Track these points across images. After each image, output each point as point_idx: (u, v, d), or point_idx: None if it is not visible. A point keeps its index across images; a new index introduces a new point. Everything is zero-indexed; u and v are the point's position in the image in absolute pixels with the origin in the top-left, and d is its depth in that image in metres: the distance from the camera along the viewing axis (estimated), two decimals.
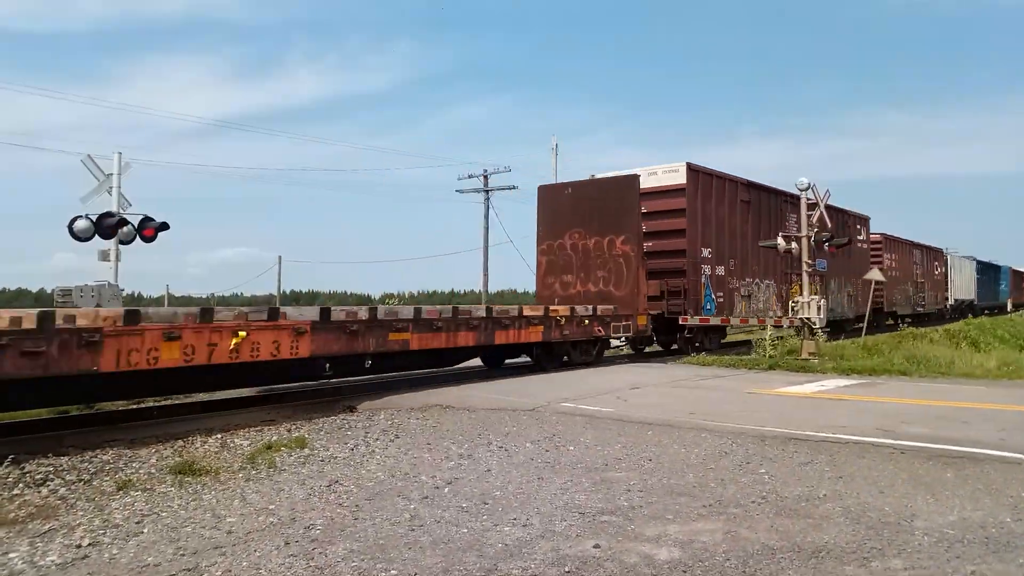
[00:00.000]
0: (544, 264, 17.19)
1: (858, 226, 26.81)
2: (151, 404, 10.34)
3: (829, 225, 18.50)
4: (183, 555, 4.36)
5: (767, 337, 16.62)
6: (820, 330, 16.36)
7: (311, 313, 9.58)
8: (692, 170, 17.35)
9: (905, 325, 29.52)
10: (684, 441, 7.28)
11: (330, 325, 9.61)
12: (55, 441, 7.45)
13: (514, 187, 51.38)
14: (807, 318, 16.06)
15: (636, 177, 16.47)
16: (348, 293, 72.97)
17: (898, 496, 5.34)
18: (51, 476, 6.11)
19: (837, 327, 22.88)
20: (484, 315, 12.16)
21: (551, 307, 13.80)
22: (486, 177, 43.78)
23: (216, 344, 8.25)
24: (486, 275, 42.63)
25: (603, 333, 14.83)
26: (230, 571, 4.10)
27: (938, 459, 6.38)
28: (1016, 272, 55.36)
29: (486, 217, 43.24)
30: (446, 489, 5.72)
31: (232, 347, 8.36)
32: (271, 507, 5.29)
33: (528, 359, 14.32)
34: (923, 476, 5.88)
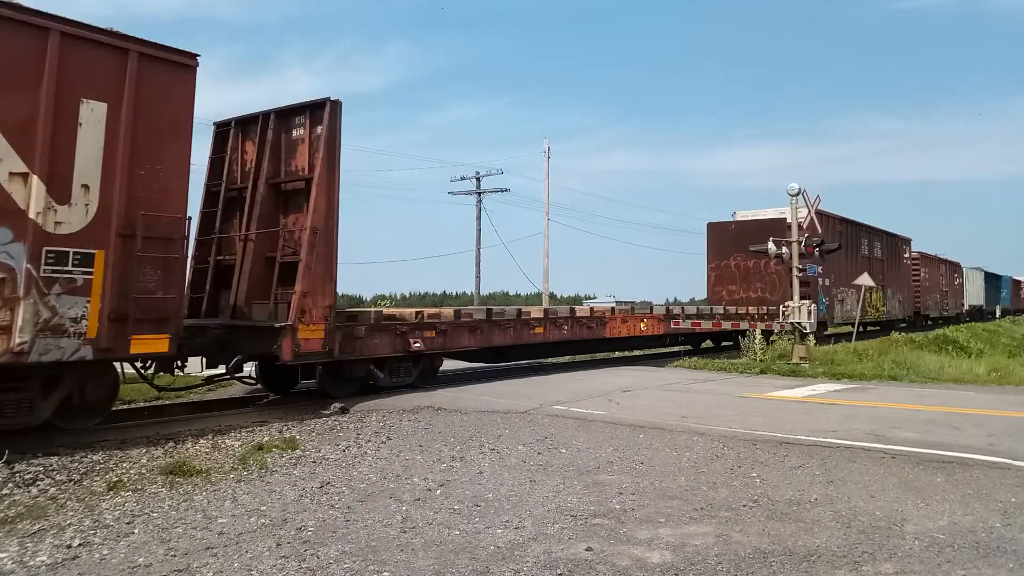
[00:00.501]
0: (713, 277, 24.43)
1: (903, 246, 33.24)
2: (142, 405, 10.29)
3: (819, 231, 18.59)
4: (174, 556, 4.34)
5: (756, 341, 16.67)
6: (812, 334, 16.44)
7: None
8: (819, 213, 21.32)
9: (935, 324, 36.96)
10: (676, 444, 7.30)
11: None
12: (45, 441, 7.40)
13: (506, 189, 51.10)
14: (798, 323, 16.13)
15: (783, 219, 20.52)
16: (341, 295, 72.70)
17: (889, 500, 5.37)
18: (41, 476, 6.07)
19: (889, 326, 29.57)
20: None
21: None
22: (478, 179, 43.78)
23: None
24: (478, 278, 42.63)
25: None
26: (221, 572, 4.09)
27: (928, 464, 6.42)
28: (1015, 281, 63.17)
29: (478, 219, 43.22)
30: (438, 491, 5.72)
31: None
32: (262, 508, 5.27)
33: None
34: (913, 481, 5.91)
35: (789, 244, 17.09)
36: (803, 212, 17.26)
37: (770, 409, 9.51)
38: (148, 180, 7.86)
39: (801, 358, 15.55)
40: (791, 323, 16.41)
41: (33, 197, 7.02)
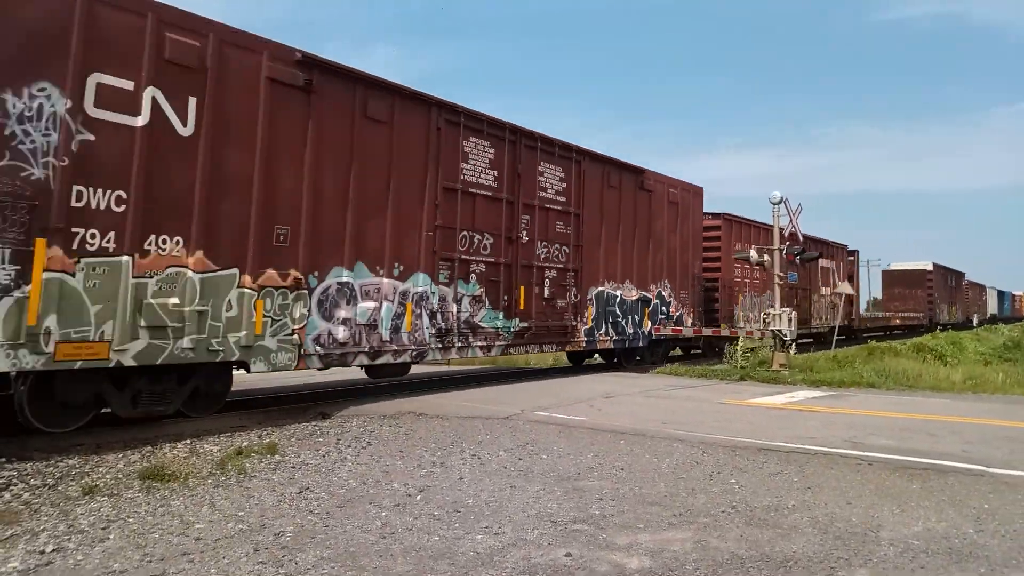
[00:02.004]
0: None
1: (961, 277, 50.35)
2: None
3: (801, 239, 18.77)
4: (150, 561, 4.30)
5: (739, 348, 16.79)
6: (792, 342, 16.58)
7: None
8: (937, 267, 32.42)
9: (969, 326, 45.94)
10: (656, 451, 7.33)
11: None
12: (19, 445, 7.30)
13: None
14: (778, 330, 16.26)
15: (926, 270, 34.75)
16: None
17: (865, 507, 5.42)
18: (15, 480, 5.98)
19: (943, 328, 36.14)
20: None
21: None
22: None
23: None
24: None
25: None
26: None
27: (904, 471, 6.49)
28: (1013, 295, 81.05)
29: None
30: (418, 497, 5.70)
31: None
32: (240, 514, 5.24)
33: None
34: (889, 487, 5.98)
35: (771, 252, 17.24)
36: (785, 219, 17.42)
37: (750, 416, 9.58)
38: None
39: (781, 365, 15.68)
40: (771, 330, 16.53)
41: None
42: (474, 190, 11.99)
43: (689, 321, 18.03)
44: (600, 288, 14.97)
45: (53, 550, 4.46)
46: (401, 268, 10.73)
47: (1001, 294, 72.77)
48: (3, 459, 6.61)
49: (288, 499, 5.62)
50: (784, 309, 16.60)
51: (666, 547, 4.55)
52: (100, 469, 6.45)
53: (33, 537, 4.69)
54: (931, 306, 41.27)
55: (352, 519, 5.12)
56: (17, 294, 6.77)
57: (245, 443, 7.58)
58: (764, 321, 16.95)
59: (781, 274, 17.31)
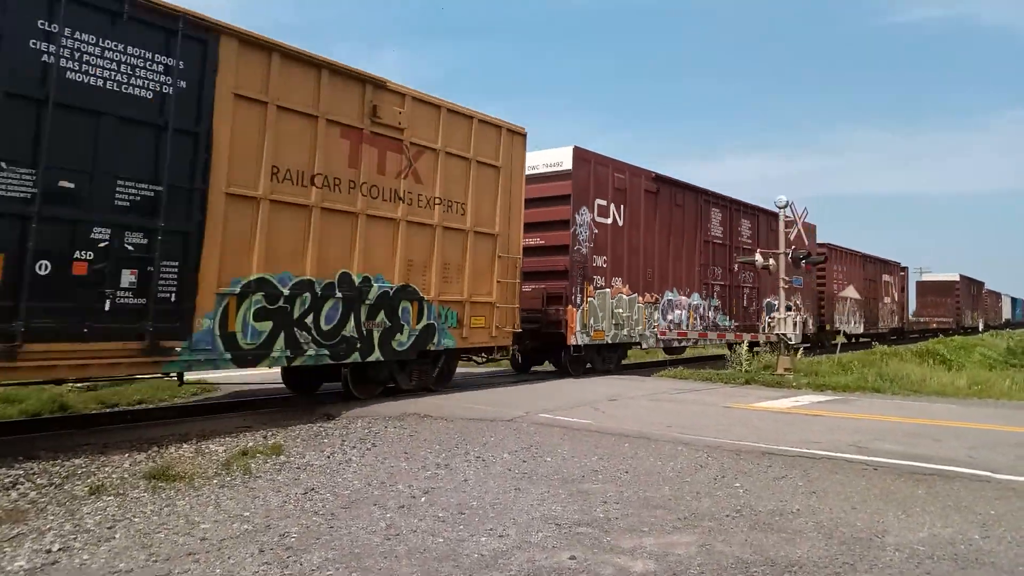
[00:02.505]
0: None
1: (983, 287, 56.16)
2: (125, 408, 10.22)
3: (806, 243, 18.77)
4: (155, 561, 4.32)
5: (743, 352, 16.77)
6: (796, 346, 16.55)
7: None
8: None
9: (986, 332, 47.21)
10: (661, 454, 7.33)
11: None
12: (27, 444, 7.33)
13: None
14: (783, 334, 16.23)
15: (954, 281, 43.73)
16: None
17: (870, 512, 5.41)
18: (21, 479, 6.01)
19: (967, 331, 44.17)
20: None
21: None
22: None
23: None
24: None
25: None
26: None
27: (910, 476, 6.47)
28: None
29: None
30: (423, 498, 5.71)
31: None
32: (245, 514, 5.25)
33: None
34: (895, 492, 5.96)
35: (776, 256, 17.22)
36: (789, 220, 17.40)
37: (754, 420, 9.56)
38: None
39: (786, 369, 15.65)
40: (777, 334, 16.51)
41: None
42: (714, 240, 19.59)
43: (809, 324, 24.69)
44: (767, 300, 21.91)
45: (59, 549, 4.48)
46: (687, 290, 18.27)
47: (1015, 300, 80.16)
48: (10, 458, 6.64)
49: (293, 500, 5.64)
50: (789, 313, 16.57)
51: (671, 551, 4.55)
52: (106, 469, 6.47)
53: (39, 536, 4.71)
54: (959, 312, 47.45)
55: (357, 520, 5.13)
56: (584, 307, 14.78)
57: (250, 443, 7.60)
58: (770, 325, 16.94)
59: (786, 278, 17.29)
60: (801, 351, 17.30)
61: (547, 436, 8.17)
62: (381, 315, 10.28)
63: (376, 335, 10.25)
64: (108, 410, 10.44)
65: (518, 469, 6.68)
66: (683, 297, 17.97)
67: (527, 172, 13.39)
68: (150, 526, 4.95)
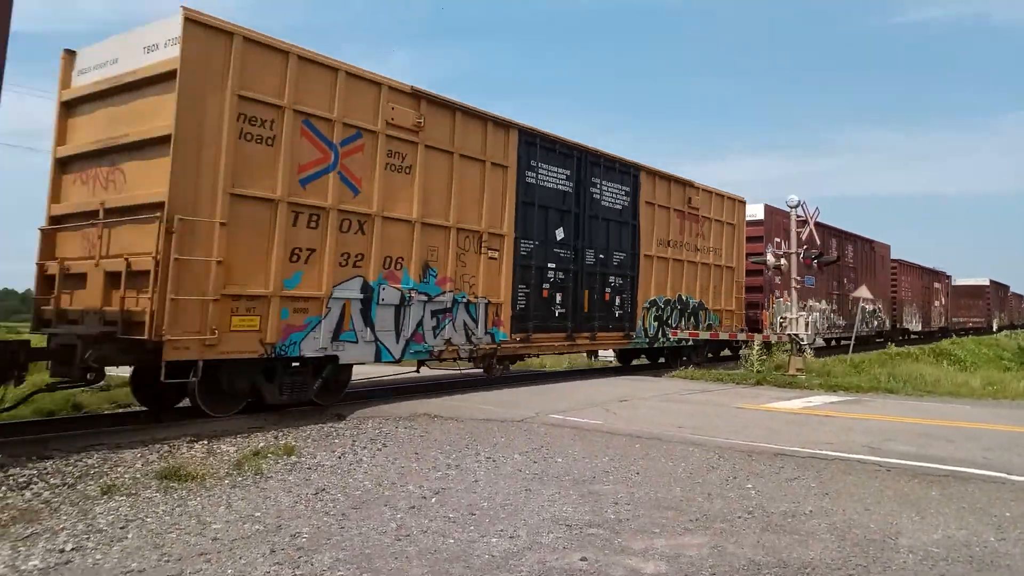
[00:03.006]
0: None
1: (1011, 291, 62.24)
2: (137, 408, 10.27)
3: (818, 243, 18.65)
4: (167, 561, 4.33)
5: (754, 353, 16.68)
6: (808, 346, 16.46)
7: None
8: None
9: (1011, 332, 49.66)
10: (672, 455, 7.30)
11: None
12: (39, 444, 7.38)
13: None
14: (795, 334, 16.14)
15: (984, 286, 52.35)
16: None
17: (883, 513, 5.37)
18: (35, 479, 6.05)
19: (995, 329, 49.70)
20: None
21: None
22: None
23: None
24: None
25: None
26: None
27: (923, 477, 6.42)
28: None
29: None
30: (433, 499, 5.71)
31: None
32: (257, 514, 5.26)
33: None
34: (908, 494, 5.92)
35: (788, 256, 17.13)
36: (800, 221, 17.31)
37: (766, 420, 9.51)
38: None
39: (798, 370, 15.57)
40: (788, 335, 16.42)
41: None
42: None
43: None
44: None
45: (72, 549, 4.50)
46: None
47: None
48: (23, 458, 6.69)
49: (304, 500, 5.65)
50: (801, 313, 16.48)
51: (682, 552, 4.52)
52: (119, 469, 6.51)
53: (53, 536, 4.74)
54: (989, 313, 53.88)
55: (368, 521, 5.13)
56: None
57: (261, 444, 7.63)
58: (781, 325, 16.85)
59: (798, 278, 17.20)
60: (811, 351, 17.20)
61: (558, 437, 8.16)
62: (693, 318, 17.49)
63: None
64: (121, 410, 10.50)
65: (529, 470, 6.67)
66: None
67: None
68: (162, 526, 4.97)
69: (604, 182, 14.77)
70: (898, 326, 33.52)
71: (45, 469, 6.37)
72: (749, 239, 20.24)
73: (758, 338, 17.49)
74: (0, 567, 4.21)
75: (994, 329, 52.49)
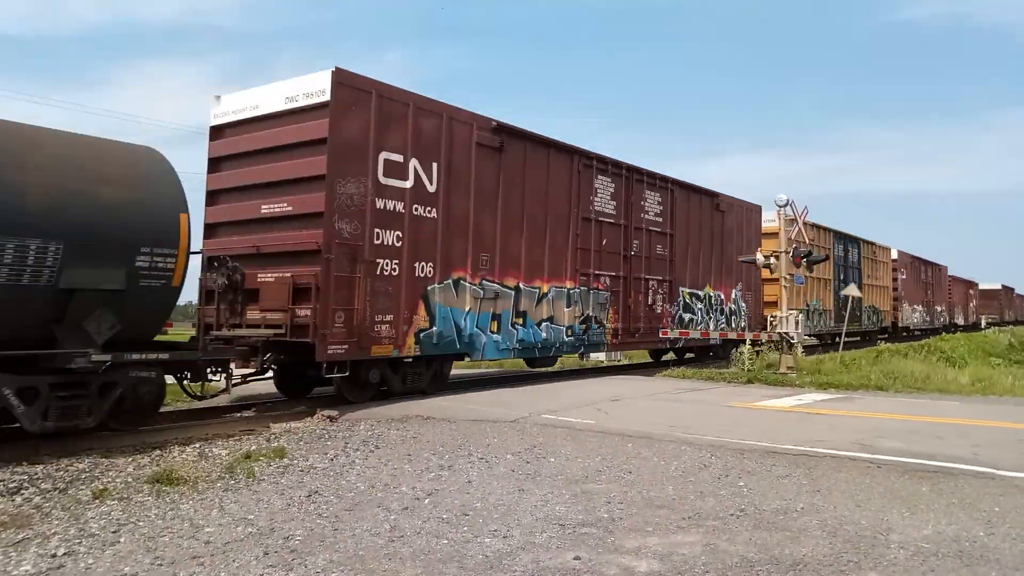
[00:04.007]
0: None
1: (1013, 291, 69.60)
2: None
3: (807, 241, 18.74)
4: (160, 565, 4.32)
5: (745, 351, 16.74)
6: (798, 344, 16.53)
7: None
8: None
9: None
10: (664, 453, 7.32)
11: None
12: (30, 449, 7.34)
13: None
14: (785, 332, 16.21)
15: (998, 289, 66.46)
16: None
17: (874, 510, 5.41)
18: (26, 484, 6.01)
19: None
20: None
21: None
22: None
23: None
24: None
25: None
26: None
27: (914, 473, 6.47)
28: None
29: None
30: (426, 500, 5.71)
31: None
32: (250, 517, 5.25)
33: None
34: (899, 490, 5.96)
35: (777, 255, 17.20)
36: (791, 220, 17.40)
37: (757, 419, 9.56)
38: None
39: (789, 368, 15.63)
40: (779, 333, 16.48)
41: None
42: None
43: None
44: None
45: (64, 553, 4.48)
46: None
47: None
48: (14, 463, 6.65)
49: (297, 502, 5.64)
50: (791, 311, 16.55)
51: (675, 550, 4.55)
52: (110, 473, 6.48)
53: (44, 540, 4.71)
54: (1001, 310, 65.61)
55: (361, 522, 5.13)
56: None
57: (253, 447, 7.60)
58: (771, 324, 16.92)
59: (788, 275, 17.27)
60: (801, 349, 17.29)
61: (550, 437, 8.17)
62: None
63: None
64: None
65: (521, 470, 6.68)
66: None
67: None
68: (154, 530, 4.96)
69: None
70: (950, 321, 45.20)
71: (36, 474, 6.33)
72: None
73: (748, 337, 17.58)
74: None
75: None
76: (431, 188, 11.44)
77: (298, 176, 10.31)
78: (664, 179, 17.03)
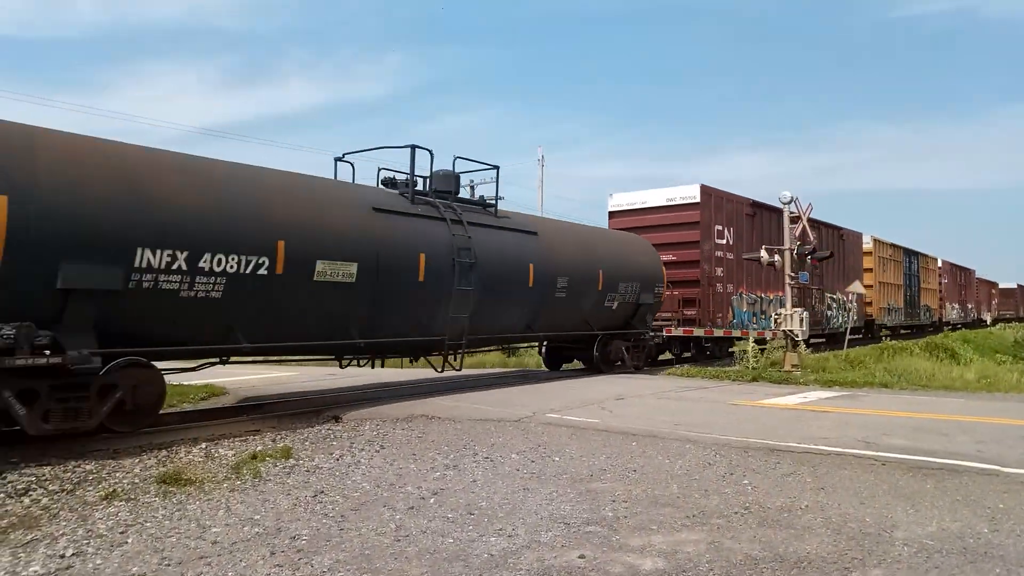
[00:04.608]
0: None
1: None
2: None
3: (811, 238, 18.70)
4: (168, 565, 4.35)
5: (750, 349, 16.74)
6: (803, 342, 16.51)
7: None
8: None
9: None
10: (668, 452, 7.34)
11: None
12: (38, 450, 7.39)
13: (501, 198, 51.04)
14: (790, 330, 16.20)
15: (1014, 288, 70.41)
16: None
17: (879, 507, 5.42)
18: (34, 486, 6.06)
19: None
20: None
21: None
22: (472, 187, 43.83)
23: None
24: None
25: None
26: None
27: (918, 470, 6.47)
28: None
29: None
30: (432, 499, 5.74)
31: None
32: (256, 517, 5.28)
33: None
34: (903, 487, 5.96)
35: (782, 252, 17.18)
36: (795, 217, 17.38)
37: (762, 417, 9.56)
38: None
39: (793, 366, 15.62)
40: (783, 331, 16.47)
41: None
42: None
43: None
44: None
45: (72, 554, 4.52)
46: None
47: None
48: (22, 464, 6.70)
49: (303, 502, 5.67)
50: (796, 309, 16.54)
51: (680, 548, 4.56)
52: (117, 474, 6.52)
53: (53, 541, 4.75)
54: (1017, 307, 70.97)
55: (367, 522, 5.15)
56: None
57: (259, 447, 7.64)
58: (776, 321, 16.91)
59: (792, 274, 17.26)
60: (805, 346, 17.27)
61: (555, 436, 8.19)
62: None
63: None
64: None
65: (526, 469, 6.70)
66: None
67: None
68: (162, 530, 4.99)
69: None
70: (978, 317, 51.06)
71: (43, 475, 6.38)
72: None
73: (752, 335, 17.57)
74: (1, 573, 4.22)
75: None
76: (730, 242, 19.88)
77: (681, 241, 19.14)
78: (826, 224, 25.01)
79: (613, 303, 15.45)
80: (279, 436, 8.36)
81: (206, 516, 5.32)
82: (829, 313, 25.40)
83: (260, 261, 8.74)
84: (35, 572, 4.25)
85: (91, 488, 6.06)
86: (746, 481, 6.21)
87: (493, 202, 13.48)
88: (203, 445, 7.78)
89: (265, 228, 8.90)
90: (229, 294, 8.53)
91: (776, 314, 17.12)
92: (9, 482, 6.12)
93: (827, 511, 5.32)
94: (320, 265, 9.35)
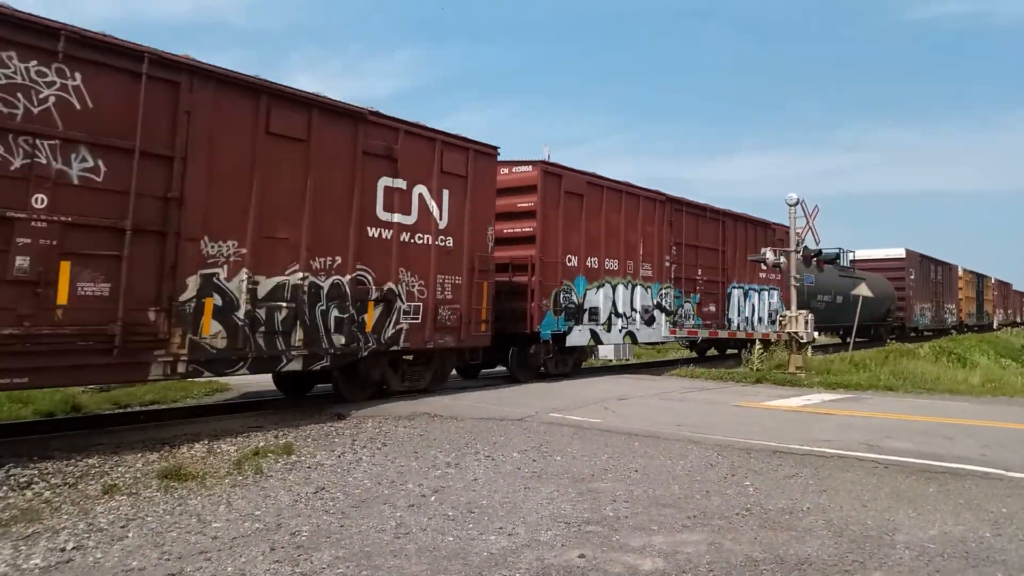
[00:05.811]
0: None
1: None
2: (137, 408, 10.30)
3: (818, 241, 18.65)
4: (168, 560, 4.36)
5: (755, 351, 16.69)
6: (808, 344, 16.46)
7: None
8: None
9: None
10: (670, 453, 7.32)
11: None
12: (40, 444, 7.41)
13: None
14: (794, 332, 16.16)
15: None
16: None
17: (880, 510, 5.39)
18: (36, 479, 6.08)
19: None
20: None
21: None
22: None
23: None
24: None
25: None
26: None
27: (921, 474, 6.44)
28: None
29: None
30: (432, 497, 5.73)
31: None
32: (257, 513, 5.29)
33: None
34: (905, 491, 5.94)
35: (787, 254, 17.14)
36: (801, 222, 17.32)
37: (765, 418, 9.54)
38: None
39: (797, 368, 15.58)
40: (788, 333, 16.43)
41: None
42: None
43: None
44: None
45: (73, 548, 4.53)
46: None
47: None
48: (24, 458, 6.72)
49: (304, 499, 5.67)
50: (800, 311, 16.49)
51: (680, 549, 4.55)
52: (119, 469, 6.54)
53: (54, 535, 4.77)
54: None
55: (367, 519, 5.15)
56: None
57: (261, 443, 7.65)
58: (781, 324, 16.86)
59: (797, 276, 17.21)
60: (810, 349, 17.23)
61: (557, 435, 8.18)
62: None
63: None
64: (120, 411, 10.53)
65: (528, 468, 6.69)
66: None
67: None
68: (162, 525, 5.00)
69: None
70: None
71: (46, 469, 6.40)
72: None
73: (758, 337, 17.52)
74: (2, 566, 4.24)
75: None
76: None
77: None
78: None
79: None
80: (281, 432, 8.36)
81: (207, 511, 5.33)
82: (945, 316, 38.29)
83: None
84: (36, 565, 4.26)
85: (93, 482, 6.08)
86: (748, 482, 6.19)
87: None
88: (205, 440, 7.80)
89: None
90: None
91: (781, 316, 17.06)
92: (12, 475, 6.14)
93: (828, 513, 5.30)
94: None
